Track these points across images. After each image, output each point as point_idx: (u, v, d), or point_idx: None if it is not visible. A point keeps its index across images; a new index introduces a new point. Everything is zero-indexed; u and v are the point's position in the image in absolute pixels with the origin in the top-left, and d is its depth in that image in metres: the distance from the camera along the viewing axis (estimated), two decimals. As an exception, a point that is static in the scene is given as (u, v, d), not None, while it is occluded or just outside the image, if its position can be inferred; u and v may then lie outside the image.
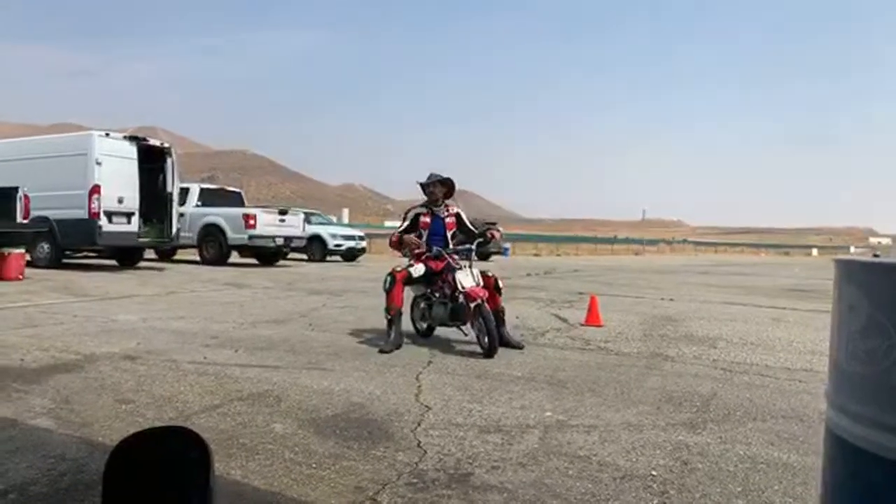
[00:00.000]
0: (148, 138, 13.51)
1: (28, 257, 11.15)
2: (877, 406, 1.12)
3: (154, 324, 6.21)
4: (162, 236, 13.45)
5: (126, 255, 13.69)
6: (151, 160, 13.06)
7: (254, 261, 16.77)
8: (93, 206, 11.71)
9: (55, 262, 12.34)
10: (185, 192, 15.59)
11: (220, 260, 15.44)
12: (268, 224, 15.58)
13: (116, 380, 4.01)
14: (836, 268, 1.30)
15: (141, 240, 12.95)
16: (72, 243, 12.46)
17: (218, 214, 15.67)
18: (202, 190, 16.67)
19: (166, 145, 13.92)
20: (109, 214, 11.98)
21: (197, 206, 15.91)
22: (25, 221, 11.24)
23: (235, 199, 17.19)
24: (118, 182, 12.06)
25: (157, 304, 7.85)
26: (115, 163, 12.05)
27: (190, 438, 0.80)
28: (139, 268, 13.56)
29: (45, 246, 12.29)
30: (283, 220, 16.28)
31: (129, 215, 12.39)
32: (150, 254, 16.07)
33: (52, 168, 11.94)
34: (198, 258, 16.02)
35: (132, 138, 12.90)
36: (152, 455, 0.78)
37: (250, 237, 15.18)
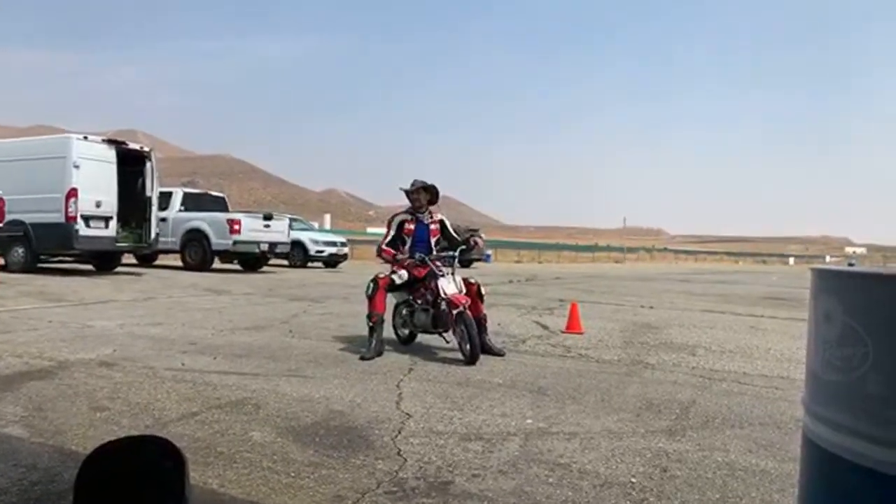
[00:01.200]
0: (127, 142, 13.36)
1: (2, 261, 10.94)
2: (852, 413, 1.13)
3: (131, 330, 6.12)
4: (140, 241, 13.27)
5: (104, 260, 13.48)
6: (131, 164, 12.90)
7: (236, 267, 16.58)
8: (70, 209, 11.53)
9: (30, 267, 12.12)
10: (167, 197, 15.44)
11: (203, 265, 15.21)
12: (252, 229, 15.41)
13: (91, 387, 3.94)
14: (813, 277, 1.32)
15: (119, 244, 12.76)
16: (47, 247, 12.24)
17: (201, 219, 15.43)
18: (185, 194, 16.40)
19: (146, 149, 13.75)
20: (87, 218, 11.80)
21: (180, 210, 15.69)
22: (0, 225, 11.03)
23: (219, 204, 16.96)
24: (96, 186, 11.89)
25: (135, 309, 7.74)
26: (93, 166, 11.88)
27: (164, 448, 0.79)
28: (117, 273, 13.37)
29: (20, 250, 12.07)
30: (267, 226, 16.10)
31: (106, 219, 12.22)
32: (129, 259, 15.83)
33: (28, 171, 11.74)
34: (180, 263, 15.86)
35: (111, 142, 12.74)
36: (126, 464, 0.76)
37: (235, 242, 15.00)
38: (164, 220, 14.77)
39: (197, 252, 15.33)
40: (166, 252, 15.74)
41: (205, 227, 15.24)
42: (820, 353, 1.24)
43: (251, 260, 16.25)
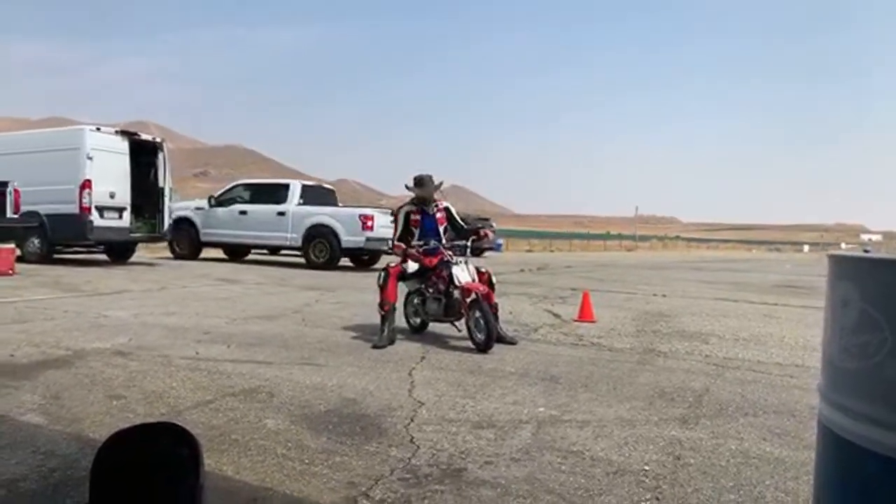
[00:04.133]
0: (140, 133, 13.41)
1: (18, 252, 11.06)
2: (869, 401, 1.12)
3: (146, 319, 6.17)
4: (154, 231, 13.35)
5: (118, 251, 13.59)
6: (143, 155, 12.96)
7: (259, 256, 15.68)
8: (84, 200, 11.61)
9: (46, 258, 12.24)
10: (283, 189, 14.37)
11: (330, 264, 13.56)
12: (382, 226, 13.54)
13: (107, 375, 3.99)
14: (830, 263, 1.30)
15: (133, 235, 12.85)
16: (62, 238, 12.34)
17: (328, 214, 13.84)
18: (304, 187, 14.76)
19: (158, 140, 13.81)
20: (101, 209, 11.88)
21: (299, 204, 14.13)
22: (16, 216, 11.14)
23: (332, 197, 15.51)
24: (109, 177, 11.96)
25: (149, 299, 7.81)
26: (106, 157, 11.95)
27: (179, 435, 0.79)
28: (131, 263, 13.47)
29: (36, 241, 12.19)
30: (393, 222, 15.19)
31: (120, 210, 12.30)
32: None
33: (42, 163, 11.82)
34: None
35: (124, 133, 12.80)
36: (141, 451, 0.77)
37: (368, 240, 13.38)
38: (281, 213, 13.83)
39: (323, 250, 13.70)
40: (285, 249, 14.45)
41: (332, 222, 13.62)
42: (836, 341, 1.22)
43: (365, 258, 14.70)
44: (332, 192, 15.94)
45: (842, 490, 1.19)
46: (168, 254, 15.56)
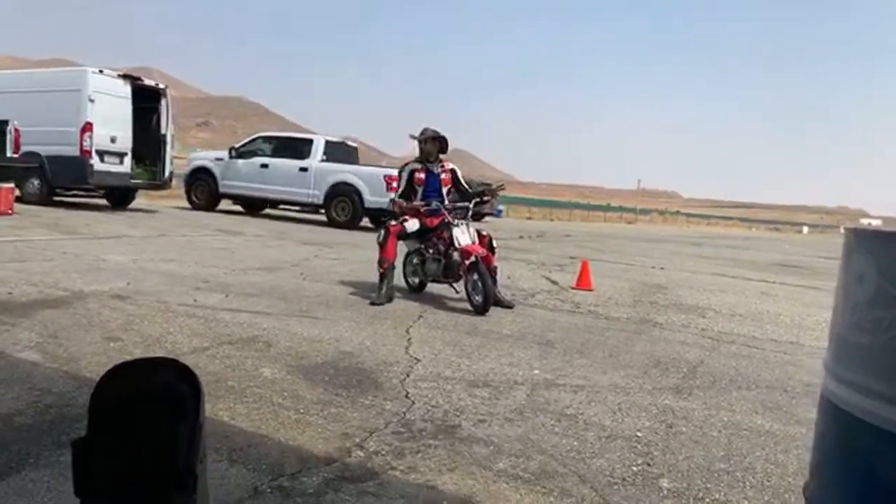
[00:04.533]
0: (142, 78, 13.20)
1: (18, 193, 10.98)
2: (879, 377, 1.10)
3: (144, 265, 6.16)
4: (155, 178, 13.25)
5: (118, 196, 13.52)
6: (146, 101, 12.77)
7: (285, 212, 15.25)
8: (84, 143, 11.48)
9: (46, 199, 12.16)
10: (306, 144, 13.98)
11: (352, 223, 13.25)
12: None
13: (105, 318, 3.99)
14: (847, 236, 1.27)
15: (133, 181, 12.75)
16: (62, 181, 12.25)
17: (352, 172, 13.43)
18: (327, 143, 14.22)
19: (161, 86, 13.61)
20: (101, 153, 11.76)
21: (322, 160, 13.70)
22: (16, 156, 11.04)
23: (354, 155, 15.08)
24: (111, 121, 11.81)
25: (148, 245, 7.79)
26: (108, 101, 11.78)
27: (181, 371, 0.77)
28: (130, 209, 13.42)
29: (36, 182, 12.09)
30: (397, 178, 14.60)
31: (121, 155, 12.18)
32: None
33: (43, 103, 11.65)
34: (176, 203, 15.04)
35: (126, 77, 12.59)
36: (142, 385, 0.75)
37: (392, 201, 13.36)
38: (303, 169, 13.46)
39: (346, 209, 13.33)
40: (306, 205, 14.11)
41: (356, 181, 13.23)
42: (848, 316, 1.20)
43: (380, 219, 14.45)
44: (355, 149, 15.50)
45: (844, 465, 1.19)
46: (177, 202, 15.40)
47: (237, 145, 14.81)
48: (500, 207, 29.91)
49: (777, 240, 36.07)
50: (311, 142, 14.10)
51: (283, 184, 13.72)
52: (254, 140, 14.95)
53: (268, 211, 15.55)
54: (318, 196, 13.57)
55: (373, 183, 13.12)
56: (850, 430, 1.15)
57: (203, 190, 14.72)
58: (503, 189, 6.13)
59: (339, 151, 14.51)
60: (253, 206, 15.20)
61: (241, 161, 14.28)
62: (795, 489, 2.25)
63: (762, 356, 4.45)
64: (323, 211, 13.76)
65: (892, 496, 1.08)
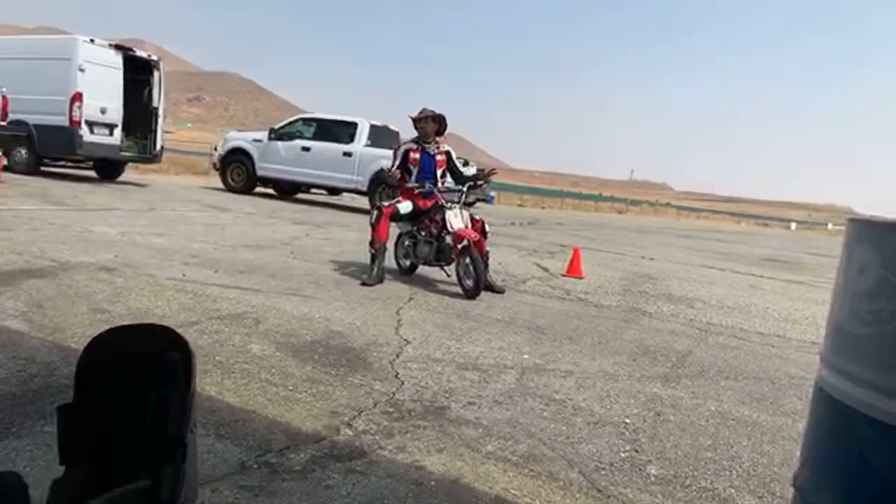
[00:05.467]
0: (135, 49, 12.98)
1: (5, 161, 10.82)
2: (878, 367, 1.10)
3: (133, 238, 6.09)
4: (145, 152, 13.08)
5: (107, 169, 13.33)
6: (138, 72, 12.56)
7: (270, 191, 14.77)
8: (74, 113, 11.29)
9: (33, 169, 11.97)
10: (351, 127, 13.31)
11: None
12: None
13: (92, 289, 3.94)
14: (848, 227, 1.26)
15: (123, 153, 12.58)
16: (50, 151, 12.06)
17: None
18: (372, 127, 13.53)
19: (154, 58, 13.37)
20: (91, 124, 11.57)
21: (367, 145, 13.09)
22: (3, 124, 10.84)
23: (396, 139, 14.21)
24: (101, 91, 11.61)
25: (137, 219, 7.70)
26: (98, 71, 11.57)
27: (172, 338, 0.74)
28: (120, 182, 13.25)
29: (23, 151, 11.89)
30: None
31: (111, 127, 12.00)
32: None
33: (32, 71, 11.43)
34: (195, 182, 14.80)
35: (118, 47, 12.36)
36: (131, 351, 0.72)
37: (387, 171, 12.86)
38: (348, 154, 12.91)
39: (392, 196, 13.20)
40: (349, 191, 13.52)
41: None
42: (848, 306, 1.19)
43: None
44: (396, 134, 14.65)
45: (836, 454, 1.19)
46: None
47: (276, 126, 14.06)
48: (492, 193, 29.80)
49: (766, 235, 36.33)
50: (355, 125, 13.39)
51: (325, 168, 13.13)
52: (294, 121, 14.22)
53: (305, 196, 15.06)
54: (362, 182, 12.87)
55: None
56: (846, 419, 1.15)
57: (240, 172, 14.00)
58: (495, 174, 6.08)
59: (382, 136, 13.76)
60: (285, 190, 14.69)
61: (280, 143, 13.65)
62: (782, 479, 2.27)
63: (749, 348, 4.47)
64: (355, 197, 12.93)
65: (885, 485, 1.08)
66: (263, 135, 13.98)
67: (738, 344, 4.55)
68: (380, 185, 12.26)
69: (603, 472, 2.21)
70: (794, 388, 3.51)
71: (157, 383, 0.72)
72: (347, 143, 13.09)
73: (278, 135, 13.73)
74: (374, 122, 13.84)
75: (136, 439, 0.72)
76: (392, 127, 14.85)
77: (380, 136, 13.61)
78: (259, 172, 13.79)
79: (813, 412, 1.31)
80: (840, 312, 1.23)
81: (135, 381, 0.71)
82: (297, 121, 14.48)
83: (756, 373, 3.81)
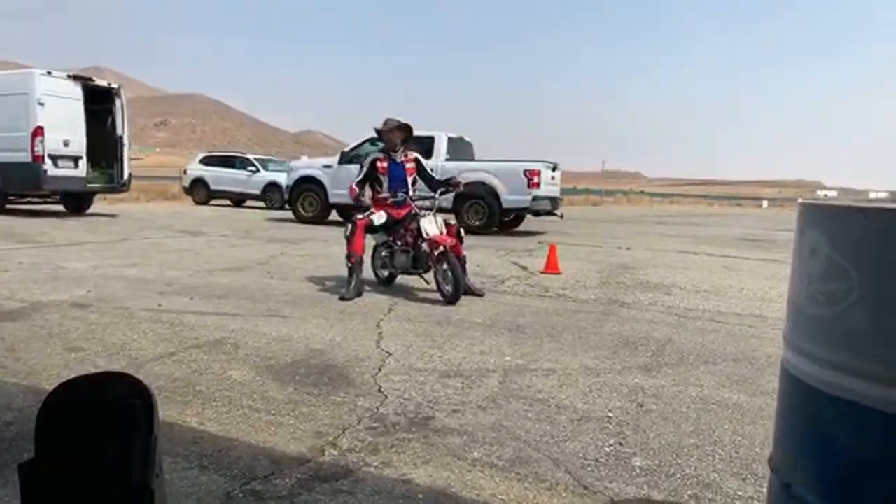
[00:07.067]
0: (94, 78, 12.82)
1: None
2: (833, 347, 1.13)
3: (105, 271, 6.01)
4: (112, 181, 12.92)
5: (74, 202, 13.14)
6: (99, 102, 12.43)
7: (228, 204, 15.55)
8: (36, 148, 11.14)
9: (-2, 208, 11.80)
10: (428, 141, 12.08)
11: (488, 227, 11.97)
12: (546, 182, 12.08)
13: (66, 328, 3.88)
14: (800, 211, 1.30)
15: (89, 185, 12.42)
16: (15, 187, 11.89)
17: (484, 170, 12.01)
18: (450, 140, 12.73)
19: (114, 86, 13.24)
20: (55, 158, 11.42)
21: (447, 159, 12.26)
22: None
23: (472, 151, 13.74)
24: (63, 124, 11.47)
25: (109, 251, 7.60)
26: (58, 104, 11.43)
27: (131, 384, 0.74)
28: (90, 214, 13.07)
29: (-13, 190, 11.72)
30: (553, 178, 12.84)
31: (76, 159, 11.85)
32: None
33: None
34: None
35: (77, 78, 12.21)
36: (90, 400, 0.72)
37: (534, 198, 11.81)
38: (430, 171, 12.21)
39: (479, 211, 11.96)
40: (429, 210, 13.06)
41: (492, 180, 11.81)
42: (804, 288, 1.23)
43: (514, 219, 12.99)
44: (471, 145, 13.93)
45: (803, 433, 1.22)
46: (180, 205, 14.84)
47: (346, 149, 13.22)
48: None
49: (739, 215, 36.85)
50: (431, 139, 12.37)
51: None
52: (363, 142, 12.78)
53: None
54: (447, 199, 11.46)
55: (512, 181, 11.84)
56: (807, 398, 1.18)
57: (312, 202, 13.29)
58: (462, 184, 6.09)
59: (459, 148, 13.10)
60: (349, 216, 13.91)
61: (352, 166, 12.17)
62: (762, 459, 2.31)
63: (727, 330, 4.54)
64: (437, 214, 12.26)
65: (851, 464, 1.12)
66: (333, 160, 13.23)
67: (715, 327, 4.62)
68: (466, 199, 11.51)
69: (589, 469, 2.23)
70: (772, 367, 3.57)
71: (117, 431, 0.73)
72: (425, 159, 12.64)
73: (349, 158, 12.67)
74: (450, 135, 13.01)
75: (100, 489, 0.72)
76: (466, 137, 13.95)
77: (456, 148, 12.93)
78: (332, 199, 13.01)
79: (780, 393, 1.34)
80: (797, 294, 1.26)
81: (96, 431, 0.71)
82: (366, 142, 12.97)
83: (735, 355, 3.87)
